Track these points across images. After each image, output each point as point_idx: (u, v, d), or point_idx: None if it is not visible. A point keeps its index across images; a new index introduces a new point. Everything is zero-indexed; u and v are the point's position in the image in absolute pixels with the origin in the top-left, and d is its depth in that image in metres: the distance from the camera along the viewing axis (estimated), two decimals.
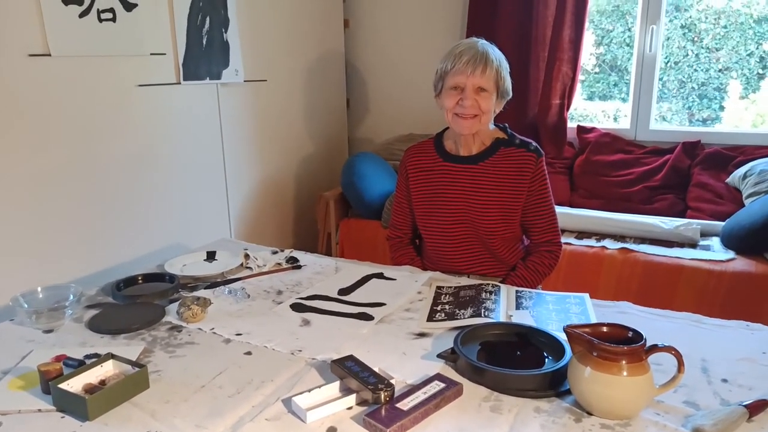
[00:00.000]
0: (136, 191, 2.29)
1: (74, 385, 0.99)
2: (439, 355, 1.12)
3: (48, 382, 0.98)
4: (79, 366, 1.06)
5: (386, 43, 3.57)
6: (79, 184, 2.08)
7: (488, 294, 1.39)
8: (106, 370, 1.05)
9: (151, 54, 2.28)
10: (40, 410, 0.96)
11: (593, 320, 1.26)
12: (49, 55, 1.92)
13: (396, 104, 3.62)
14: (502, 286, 1.47)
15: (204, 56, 2.50)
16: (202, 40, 2.49)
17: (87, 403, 0.93)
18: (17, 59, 1.85)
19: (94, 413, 0.94)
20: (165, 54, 2.34)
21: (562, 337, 1.07)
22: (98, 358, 1.05)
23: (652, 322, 1.27)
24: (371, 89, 3.68)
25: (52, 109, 1.97)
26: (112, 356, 1.06)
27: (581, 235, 2.61)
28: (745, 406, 0.92)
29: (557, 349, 1.08)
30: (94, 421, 0.94)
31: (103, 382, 1.01)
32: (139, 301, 1.39)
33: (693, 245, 2.46)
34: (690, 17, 3.06)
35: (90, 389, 0.99)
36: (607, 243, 2.49)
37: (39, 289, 1.35)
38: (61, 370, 1.02)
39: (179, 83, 2.41)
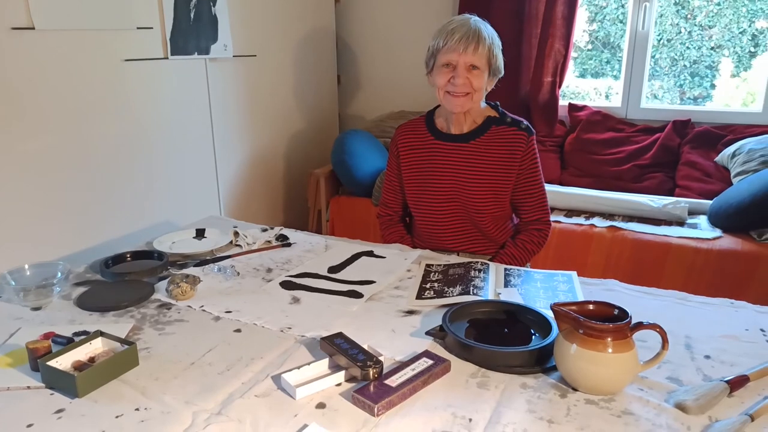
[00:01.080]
0: (124, 168, 2.27)
1: (63, 362, 0.99)
2: (428, 333, 1.12)
3: (37, 359, 0.98)
4: (68, 343, 1.06)
5: (377, 18, 3.52)
6: (66, 161, 2.05)
7: (477, 272, 1.39)
8: (95, 347, 1.05)
9: (138, 28, 2.24)
10: (29, 387, 0.97)
11: (580, 298, 1.27)
12: (33, 28, 1.88)
13: (387, 81, 3.59)
14: (491, 264, 1.47)
15: (192, 30, 2.46)
16: (189, 14, 2.44)
17: (76, 380, 0.93)
18: (0, 33, 1.81)
19: (83, 390, 0.94)
20: (152, 28, 2.29)
21: (550, 314, 1.09)
22: (87, 336, 1.06)
23: (638, 300, 1.28)
24: (362, 65, 3.65)
25: (36, 85, 1.93)
26: (101, 333, 1.06)
27: (570, 213, 2.63)
28: (727, 381, 0.94)
29: (544, 327, 1.10)
30: (84, 398, 0.94)
31: (92, 360, 1.01)
32: (128, 279, 1.39)
33: (681, 223, 2.48)
34: None
35: (79, 366, 0.99)
36: (596, 221, 2.51)
37: (26, 266, 1.34)
38: (50, 347, 1.02)
39: (167, 58, 2.37)
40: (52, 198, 2.02)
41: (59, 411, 0.91)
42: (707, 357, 1.05)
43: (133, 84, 2.26)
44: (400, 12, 3.45)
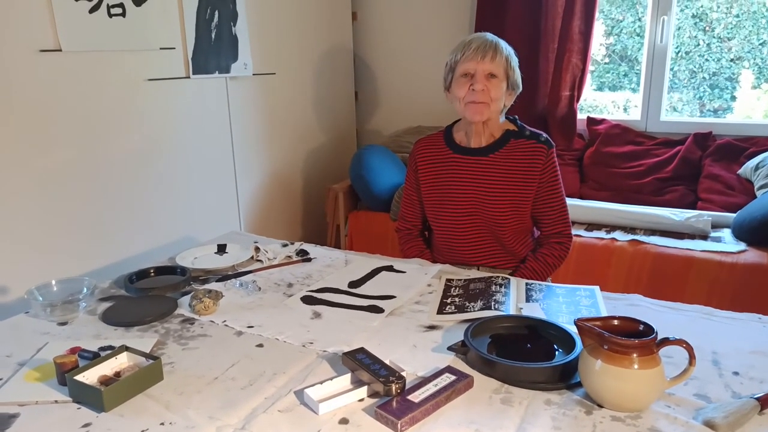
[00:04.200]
0: (147, 185, 2.31)
1: (89, 377, 1.01)
2: (450, 348, 1.12)
3: (64, 374, 1.00)
4: (94, 358, 1.07)
5: (394, 35, 3.56)
6: (91, 178, 2.10)
7: (498, 287, 1.39)
8: (121, 362, 1.06)
9: (161, 48, 2.29)
10: (56, 401, 0.98)
11: (603, 313, 1.26)
12: (60, 50, 1.94)
13: (404, 96, 3.61)
14: (512, 278, 1.47)
15: (213, 50, 2.51)
16: (211, 34, 2.49)
17: (103, 394, 0.94)
18: (29, 55, 1.86)
19: (109, 404, 0.95)
20: (174, 48, 2.35)
21: (573, 329, 1.08)
22: (113, 351, 1.07)
23: (662, 315, 1.26)
24: (379, 82, 3.68)
25: (63, 104, 1.98)
26: (126, 348, 1.08)
27: (591, 226, 2.60)
28: (757, 398, 0.92)
29: (567, 342, 1.09)
30: (110, 412, 0.95)
31: (117, 374, 1.03)
32: (152, 294, 1.41)
33: (704, 237, 2.44)
34: (701, 6, 3.02)
35: (105, 381, 1.01)
36: (617, 235, 2.48)
37: (53, 282, 1.37)
38: (77, 362, 1.04)
39: (188, 77, 2.42)
40: (78, 214, 2.06)
41: (86, 425, 0.92)
42: (736, 373, 1.03)
43: (155, 103, 2.30)
44: (417, 29, 3.48)
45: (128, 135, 2.21)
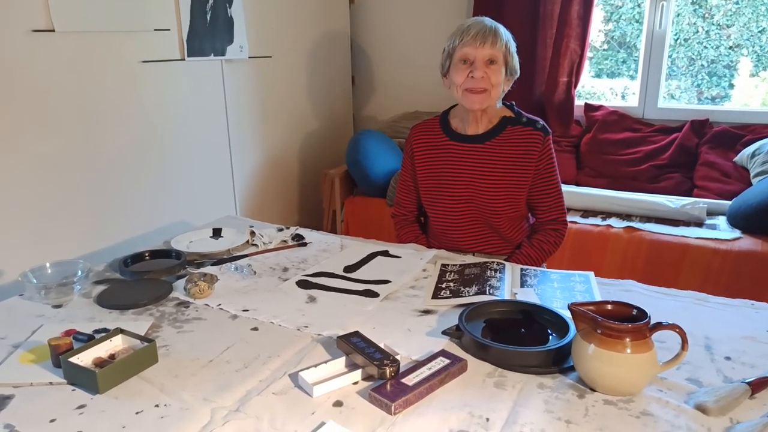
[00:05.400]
0: (142, 168, 2.29)
1: (84, 359, 1.01)
2: (444, 332, 1.12)
3: (59, 356, 1.00)
4: (89, 340, 1.07)
5: (392, 19, 3.52)
6: (85, 161, 2.08)
7: (493, 272, 1.39)
8: (116, 344, 1.06)
9: (155, 30, 2.26)
10: (51, 383, 0.98)
11: (598, 298, 1.26)
12: (53, 30, 1.91)
13: (401, 82, 3.59)
14: (507, 264, 1.47)
15: (208, 32, 2.48)
16: (206, 16, 2.46)
17: (97, 376, 0.94)
18: (21, 35, 1.84)
19: (104, 386, 0.95)
20: (169, 30, 2.32)
21: (567, 314, 1.08)
22: (107, 333, 1.07)
23: (656, 301, 1.27)
24: (376, 66, 3.65)
25: (55, 86, 1.96)
26: (121, 331, 1.08)
27: (587, 213, 2.61)
28: (748, 383, 0.92)
29: (561, 327, 1.09)
30: (105, 394, 0.95)
31: (112, 357, 1.03)
32: (147, 277, 1.41)
33: (699, 224, 2.45)
34: None
35: (100, 363, 1.01)
36: (613, 221, 2.49)
37: (48, 264, 1.36)
38: (71, 344, 1.04)
39: (183, 59, 2.40)
40: (72, 198, 2.05)
41: (81, 407, 0.92)
42: (727, 358, 1.04)
43: (150, 85, 2.28)
44: (414, 13, 3.45)
45: (123, 118, 2.20)
